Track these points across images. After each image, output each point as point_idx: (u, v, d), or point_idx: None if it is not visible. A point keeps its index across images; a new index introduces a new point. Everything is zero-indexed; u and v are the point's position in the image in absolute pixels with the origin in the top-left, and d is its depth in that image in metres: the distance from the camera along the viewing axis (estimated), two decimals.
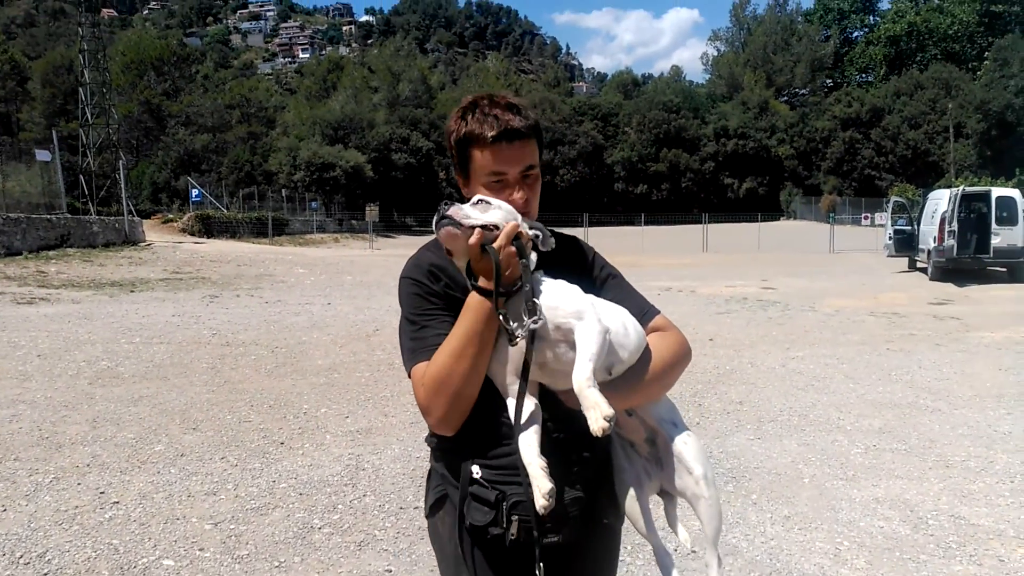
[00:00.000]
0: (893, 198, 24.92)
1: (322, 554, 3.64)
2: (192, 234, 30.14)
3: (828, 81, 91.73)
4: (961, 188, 18.76)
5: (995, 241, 17.69)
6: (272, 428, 5.61)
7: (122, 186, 27.71)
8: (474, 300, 1.61)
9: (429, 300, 1.73)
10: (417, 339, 1.71)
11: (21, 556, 3.49)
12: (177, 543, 3.69)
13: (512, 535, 1.64)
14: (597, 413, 1.49)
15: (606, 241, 37.99)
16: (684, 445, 1.72)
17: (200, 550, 3.63)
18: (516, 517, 1.64)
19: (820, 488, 4.70)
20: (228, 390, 6.70)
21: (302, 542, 3.75)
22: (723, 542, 3.91)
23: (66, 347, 8.32)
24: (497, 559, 1.69)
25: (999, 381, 7.81)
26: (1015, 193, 18.61)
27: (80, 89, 47.40)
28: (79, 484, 4.39)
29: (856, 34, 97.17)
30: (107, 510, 4.05)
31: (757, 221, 43.16)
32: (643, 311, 1.81)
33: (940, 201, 18.27)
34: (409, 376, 1.71)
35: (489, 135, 1.69)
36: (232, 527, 3.89)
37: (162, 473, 4.60)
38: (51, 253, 17.89)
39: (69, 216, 21.68)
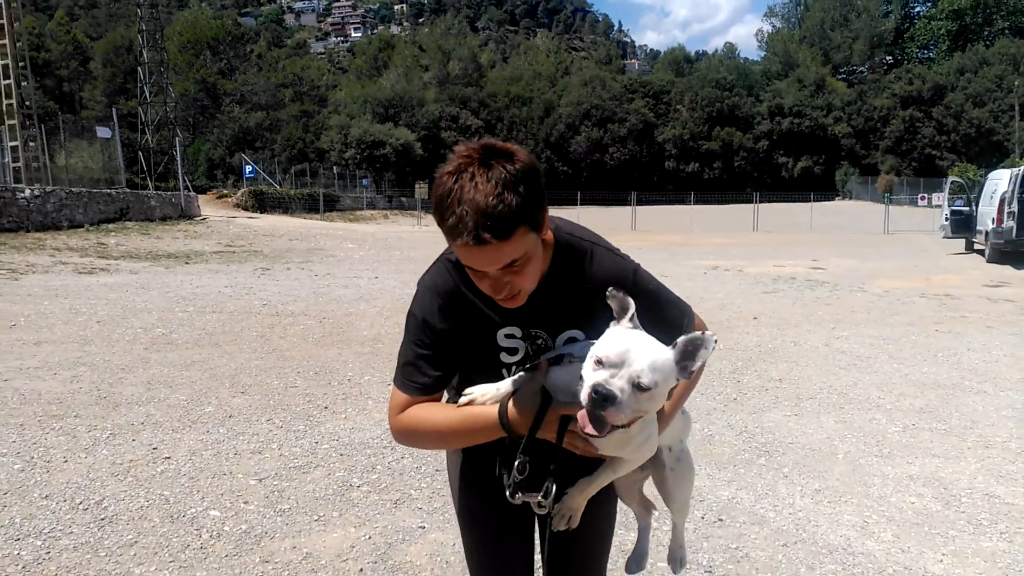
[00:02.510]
0: (951, 178, 24.22)
1: (359, 510, 3.79)
2: (246, 209, 30.78)
3: (888, 58, 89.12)
4: (1022, 168, 18.17)
5: None
6: (317, 393, 5.80)
7: (179, 162, 28.40)
8: (491, 420, 1.63)
9: (427, 336, 1.73)
10: (406, 365, 1.75)
11: (80, 503, 3.71)
12: (223, 496, 3.88)
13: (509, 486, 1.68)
14: None
15: (655, 219, 37.76)
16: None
17: (245, 503, 3.81)
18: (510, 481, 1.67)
19: (854, 464, 4.71)
20: (276, 357, 6.92)
21: (341, 499, 3.92)
22: (751, 512, 3.97)
23: (123, 314, 8.65)
24: (496, 499, 1.78)
25: None
26: None
27: (139, 68, 48.53)
28: (134, 440, 4.62)
29: (918, 9, 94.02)
30: (159, 464, 4.26)
31: (810, 201, 42.35)
32: (677, 327, 1.73)
33: (1000, 181, 17.73)
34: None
35: (459, 242, 1.53)
36: (275, 483, 4.07)
37: (211, 432, 4.81)
38: (111, 226, 18.49)
39: (128, 191, 22.32)
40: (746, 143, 76.69)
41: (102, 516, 3.60)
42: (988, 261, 17.76)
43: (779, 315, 10.34)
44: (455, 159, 1.55)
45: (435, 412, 1.71)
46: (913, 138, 72.21)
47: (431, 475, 4.27)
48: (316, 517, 3.70)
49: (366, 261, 16.20)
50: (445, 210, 1.52)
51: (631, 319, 1.54)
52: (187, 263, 14.11)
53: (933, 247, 22.72)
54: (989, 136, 67.79)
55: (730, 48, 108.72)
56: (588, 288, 1.70)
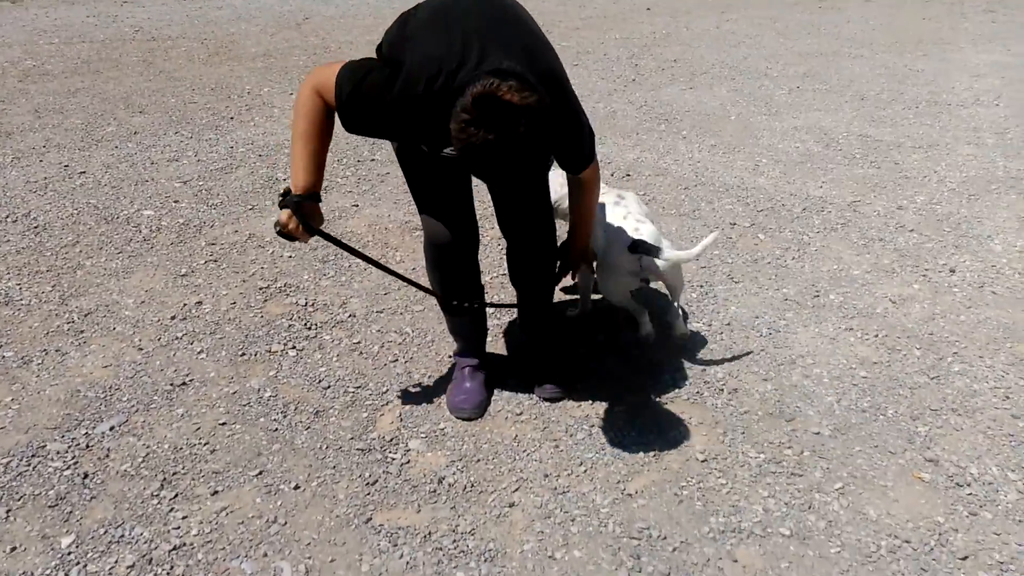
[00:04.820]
0: None
1: None
2: None
3: None
4: None
5: None
6: (219, 107, 5.68)
7: None
8: None
9: (378, 108, 1.80)
10: (356, 85, 1.79)
11: (7, 216, 3.72)
12: (152, 198, 3.94)
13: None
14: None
15: None
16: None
17: (176, 202, 3.90)
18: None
19: (745, 123, 5.08)
20: (165, 79, 6.62)
21: (270, 191, 4.04)
22: (655, 167, 4.33)
23: None
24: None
25: (921, 29, 8.10)
26: None
27: None
28: (41, 161, 4.52)
29: None
30: (76, 179, 4.23)
31: None
32: (577, 166, 2.00)
33: None
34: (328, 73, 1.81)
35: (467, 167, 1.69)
36: (201, 183, 4.14)
37: (120, 148, 4.74)
38: None
39: None
40: None
41: (35, 225, 3.64)
42: None
43: (671, 4, 10.34)
44: (464, 113, 1.58)
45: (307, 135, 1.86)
46: None
47: (354, 166, 4.41)
48: (250, 207, 3.84)
49: None
50: (471, 152, 1.60)
51: None
52: None
53: None
54: None
55: None
56: None
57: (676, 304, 2.46)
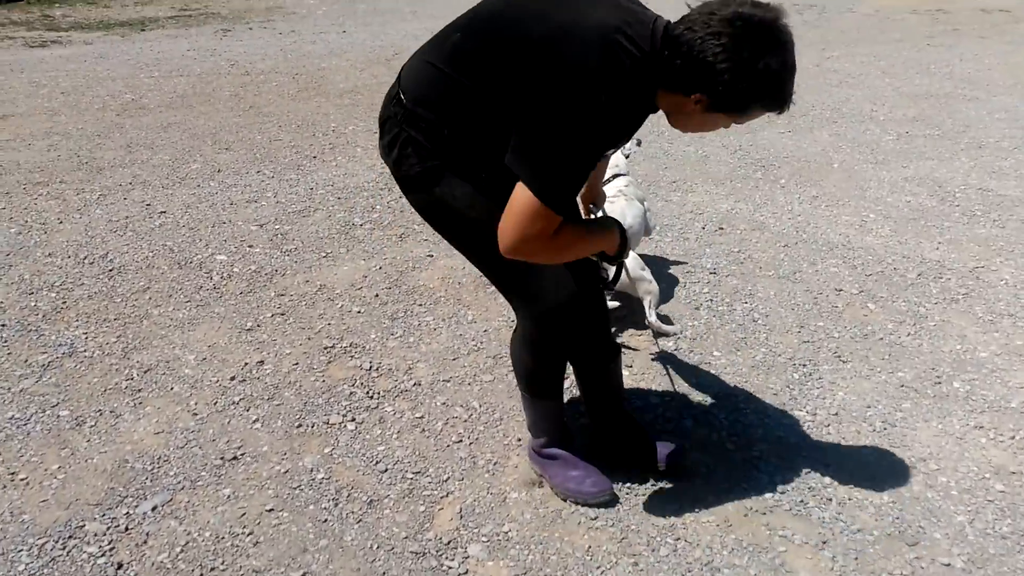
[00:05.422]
0: None
1: (366, 245, 3.82)
2: None
3: None
4: None
5: None
6: (303, 145, 5.65)
7: None
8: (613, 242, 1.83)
9: (599, 148, 1.62)
10: (568, 183, 1.58)
11: (85, 257, 3.71)
12: (227, 242, 3.88)
13: None
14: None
15: None
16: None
17: (250, 246, 3.82)
18: None
19: (849, 171, 4.73)
20: (254, 114, 6.68)
21: (346, 236, 3.93)
22: (750, 220, 4.03)
23: (87, 84, 8.23)
24: None
25: None
26: None
27: None
28: (125, 199, 4.54)
29: None
30: (156, 219, 4.22)
31: None
32: None
33: None
34: (536, 195, 1.54)
35: (769, 112, 1.60)
36: (277, 227, 4.06)
37: (202, 187, 4.73)
38: None
39: None
40: None
41: (110, 268, 3.61)
42: None
43: None
44: (767, 31, 1.50)
45: (578, 229, 1.80)
46: None
47: None
48: (324, 254, 3.72)
49: (330, 16, 15.26)
50: (783, 86, 1.53)
51: None
52: (143, 30, 13.25)
53: None
54: None
55: None
56: None
57: (648, 308, 2.72)
